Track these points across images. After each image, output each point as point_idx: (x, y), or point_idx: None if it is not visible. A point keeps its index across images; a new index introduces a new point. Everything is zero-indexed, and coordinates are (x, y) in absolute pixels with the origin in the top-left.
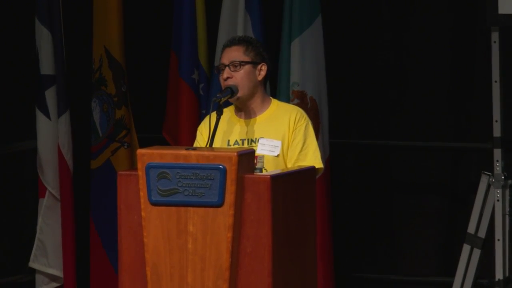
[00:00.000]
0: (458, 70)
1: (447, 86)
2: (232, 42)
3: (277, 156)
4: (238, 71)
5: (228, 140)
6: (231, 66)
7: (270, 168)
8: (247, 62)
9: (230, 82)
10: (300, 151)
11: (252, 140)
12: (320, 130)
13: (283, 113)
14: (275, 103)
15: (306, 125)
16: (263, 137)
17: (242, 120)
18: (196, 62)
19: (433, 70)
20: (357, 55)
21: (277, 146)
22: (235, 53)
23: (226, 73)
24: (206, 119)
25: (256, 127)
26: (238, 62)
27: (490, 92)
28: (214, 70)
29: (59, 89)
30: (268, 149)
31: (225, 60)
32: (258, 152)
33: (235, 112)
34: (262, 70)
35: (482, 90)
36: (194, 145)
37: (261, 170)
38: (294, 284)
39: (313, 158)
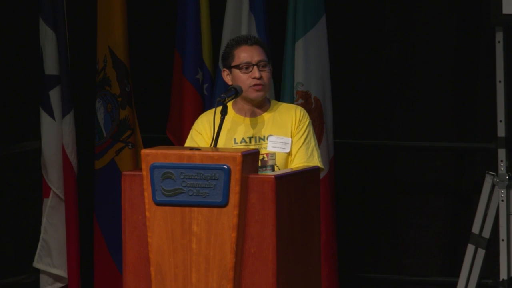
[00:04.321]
0: (463, 70)
1: (451, 86)
2: (252, 41)
3: (288, 153)
4: (265, 71)
5: (235, 139)
6: (260, 66)
7: (281, 165)
8: (270, 63)
9: (261, 82)
10: (300, 147)
11: (260, 138)
12: (324, 130)
13: (286, 111)
14: (273, 102)
15: (308, 123)
16: (272, 135)
17: (247, 118)
18: (200, 62)
19: (437, 70)
20: (361, 55)
21: (287, 143)
22: (259, 53)
23: (257, 72)
24: (201, 119)
25: (263, 125)
26: (266, 62)
27: (495, 92)
28: (230, 67)
29: (63, 89)
30: (279, 146)
31: (250, 58)
32: (269, 149)
33: (235, 111)
34: (271, 71)
35: (487, 90)
36: (186, 145)
37: (273, 168)
38: (298, 284)
39: (312, 156)
